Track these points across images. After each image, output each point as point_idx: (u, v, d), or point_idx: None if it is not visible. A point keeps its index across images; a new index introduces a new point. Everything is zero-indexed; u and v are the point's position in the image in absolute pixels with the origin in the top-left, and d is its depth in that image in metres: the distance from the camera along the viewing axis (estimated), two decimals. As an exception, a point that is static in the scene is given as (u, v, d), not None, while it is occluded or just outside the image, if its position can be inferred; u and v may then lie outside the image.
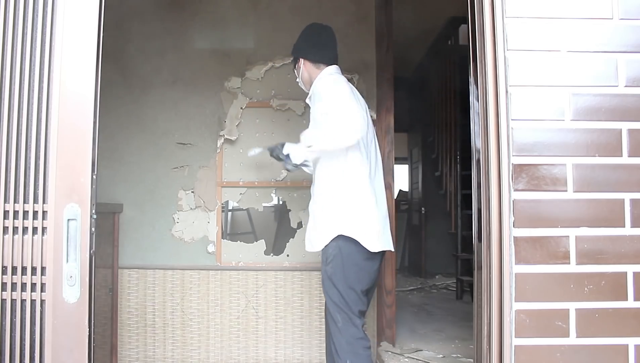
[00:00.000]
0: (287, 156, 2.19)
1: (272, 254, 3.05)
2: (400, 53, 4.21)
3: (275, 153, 2.25)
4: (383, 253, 2.18)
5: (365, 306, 2.17)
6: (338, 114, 1.97)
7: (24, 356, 1.20)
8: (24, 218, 1.22)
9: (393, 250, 2.26)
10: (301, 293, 3.00)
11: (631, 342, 1.28)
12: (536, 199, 1.30)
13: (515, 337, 1.28)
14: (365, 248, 2.06)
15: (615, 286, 1.29)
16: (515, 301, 1.28)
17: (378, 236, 2.09)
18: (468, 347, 3.01)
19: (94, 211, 1.24)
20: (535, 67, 1.32)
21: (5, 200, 1.21)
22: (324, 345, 2.99)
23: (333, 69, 2.27)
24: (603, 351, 1.28)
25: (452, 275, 5.76)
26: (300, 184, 3.08)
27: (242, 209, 3.15)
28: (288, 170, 2.33)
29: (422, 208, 6.60)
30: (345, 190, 2.09)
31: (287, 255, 3.03)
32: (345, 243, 2.08)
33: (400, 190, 7.87)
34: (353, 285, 2.08)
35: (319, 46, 2.29)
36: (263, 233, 3.14)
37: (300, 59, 2.32)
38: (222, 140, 3.05)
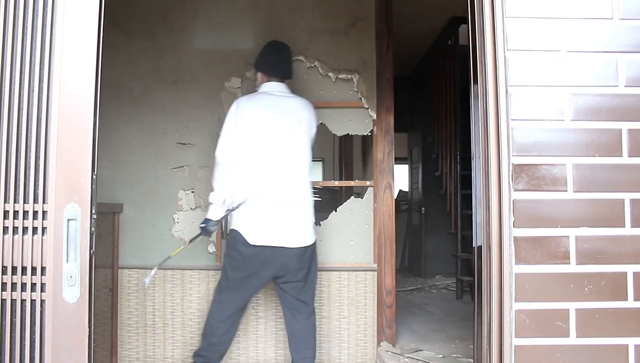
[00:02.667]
0: (207, 220, 2.44)
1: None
2: (401, 53, 4.22)
3: (204, 233, 2.49)
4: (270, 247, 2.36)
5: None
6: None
7: (24, 356, 1.20)
8: (24, 218, 1.22)
9: (283, 246, 2.37)
10: (301, 293, 3.00)
11: (631, 342, 1.28)
12: (536, 199, 1.30)
13: (515, 337, 1.28)
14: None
15: (615, 286, 1.29)
16: (515, 301, 1.28)
17: (257, 231, 2.36)
18: (468, 347, 3.01)
19: (94, 211, 1.24)
20: (535, 67, 1.32)
21: (5, 200, 1.21)
22: (324, 345, 2.99)
23: (266, 86, 2.54)
24: (603, 351, 1.28)
25: (452, 275, 5.76)
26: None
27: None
28: (210, 231, 2.49)
29: (422, 208, 6.60)
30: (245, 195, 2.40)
31: (287, 255, 3.02)
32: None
33: (400, 190, 7.87)
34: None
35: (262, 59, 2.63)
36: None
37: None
38: (222, 140, 3.05)
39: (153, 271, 2.50)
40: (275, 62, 2.58)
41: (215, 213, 2.43)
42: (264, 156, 2.39)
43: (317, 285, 2.62)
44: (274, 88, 2.51)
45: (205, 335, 2.45)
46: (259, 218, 2.36)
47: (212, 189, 2.45)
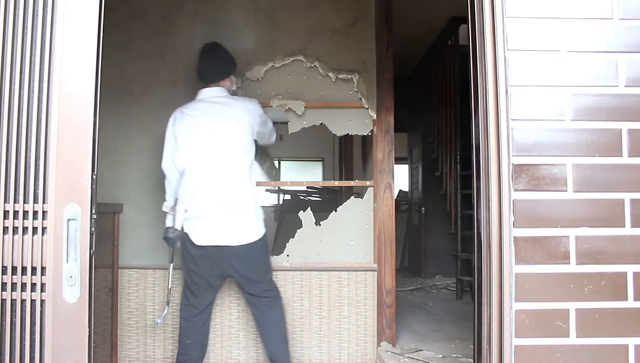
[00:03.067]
0: (165, 230, 2.57)
1: (272, 254, 3.05)
2: (401, 53, 4.22)
3: (168, 243, 2.60)
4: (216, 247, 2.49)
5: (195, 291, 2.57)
6: None
7: (24, 356, 1.20)
8: (24, 218, 1.22)
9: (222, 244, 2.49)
10: (301, 293, 3.00)
11: (631, 342, 1.28)
12: (536, 199, 1.30)
13: (515, 337, 1.28)
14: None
15: (615, 286, 1.29)
16: (515, 301, 1.28)
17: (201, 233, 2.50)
18: (468, 347, 3.01)
19: (94, 211, 1.24)
20: (535, 67, 1.33)
21: (5, 200, 1.21)
22: (324, 345, 2.99)
23: (201, 93, 2.64)
24: (603, 351, 1.28)
25: (452, 275, 5.76)
26: (300, 184, 3.08)
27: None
28: (171, 238, 2.58)
29: (422, 208, 6.59)
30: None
31: (287, 255, 3.02)
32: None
33: (400, 190, 7.87)
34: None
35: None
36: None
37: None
38: (222, 140, 3.05)
39: (166, 311, 2.73)
40: (202, 68, 2.66)
41: (169, 221, 2.58)
42: (200, 163, 2.51)
43: (270, 278, 2.70)
44: (207, 94, 2.61)
45: (180, 337, 2.62)
46: (202, 220, 2.49)
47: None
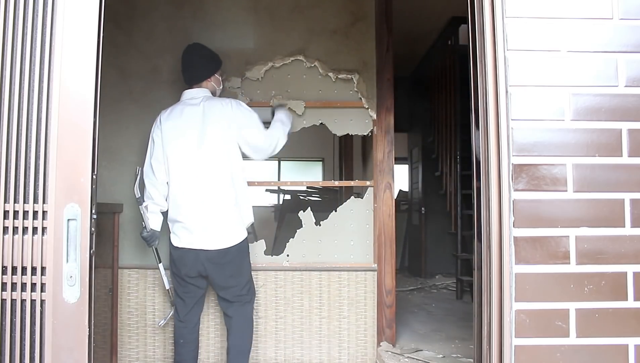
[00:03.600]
0: (142, 230, 2.58)
1: (272, 254, 3.05)
2: (401, 53, 4.22)
3: (147, 243, 2.64)
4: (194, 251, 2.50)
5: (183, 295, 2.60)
6: None
7: (24, 356, 1.20)
8: (24, 218, 1.22)
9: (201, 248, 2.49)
10: (301, 293, 3.00)
11: (631, 342, 1.28)
12: (536, 199, 1.30)
13: (515, 337, 1.28)
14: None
15: (615, 286, 1.29)
16: (515, 301, 1.28)
17: (179, 235, 2.53)
18: (468, 347, 3.01)
19: (94, 211, 1.24)
20: (535, 67, 1.33)
21: (5, 200, 1.21)
22: (324, 345, 2.99)
23: (183, 95, 2.65)
24: (603, 351, 1.28)
25: (452, 275, 5.76)
26: (300, 184, 3.07)
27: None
28: (145, 237, 2.59)
29: (422, 208, 6.60)
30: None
31: (287, 255, 3.02)
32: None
33: (400, 190, 7.87)
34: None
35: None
36: (263, 233, 3.13)
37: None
38: (222, 140, 3.05)
39: (171, 313, 2.72)
40: (184, 69, 2.65)
41: (146, 222, 2.56)
42: (177, 168, 2.50)
43: (246, 284, 2.63)
44: (188, 96, 2.60)
45: (175, 337, 2.64)
46: (179, 224, 2.51)
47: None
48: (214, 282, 2.55)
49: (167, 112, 2.58)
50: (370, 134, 3.11)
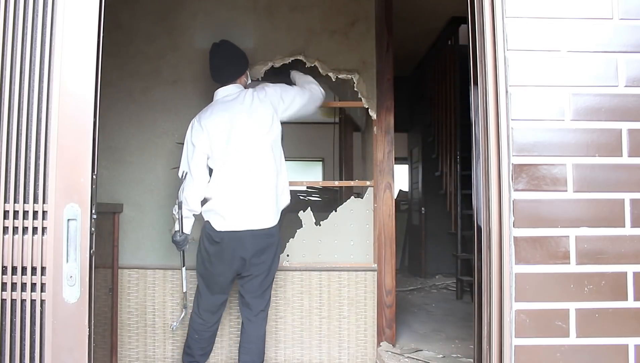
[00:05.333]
0: (174, 234, 2.56)
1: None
2: (401, 53, 4.22)
3: (177, 247, 2.60)
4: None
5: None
6: None
7: (24, 356, 1.20)
8: (24, 218, 1.22)
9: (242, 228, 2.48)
10: (301, 293, 3.01)
11: (631, 342, 1.28)
12: (536, 199, 1.30)
13: (515, 337, 1.28)
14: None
15: (615, 286, 1.29)
16: (515, 301, 1.28)
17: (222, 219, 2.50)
18: (468, 347, 3.01)
19: (94, 211, 1.24)
20: (535, 67, 1.32)
21: (5, 200, 1.21)
22: (324, 345, 2.99)
23: (216, 95, 2.66)
24: (603, 351, 1.28)
25: (452, 275, 5.76)
26: (300, 184, 3.07)
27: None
28: (178, 241, 2.58)
29: (422, 208, 6.60)
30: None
31: (287, 255, 3.03)
32: None
33: (400, 190, 7.87)
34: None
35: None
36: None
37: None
38: (222, 140, 3.05)
39: (183, 314, 2.70)
40: (218, 68, 2.64)
41: (177, 224, 2.55)
42: (223, 165, 2.50)
43: (269, 296, 2.61)
44: (223, 94, 2.61)
45: (189, 330, 2.62)
46: (223, 208, 2.49)
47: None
48: (252, 274, 2.51)
49: (207, 114, 2.56)
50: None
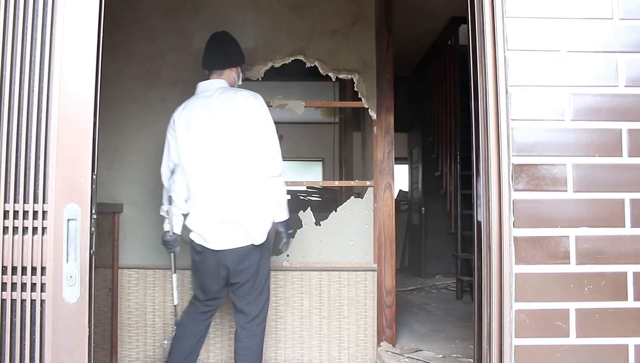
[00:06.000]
0: (164, 234, 2.42)
1: (272, 254, 3.05)
2: (401, 53, 4.22)
3: (166, 248, 2.47)
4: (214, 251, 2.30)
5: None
6: None
7: (24, 356, 1.20)
8: (24, 218, 1.22)
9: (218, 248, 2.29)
10: (301, 293, 3.01)
11: (631, 342, 1.28)
12: (536, 199, 1.30)
13: (515, 337, 1.28)
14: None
15: (615, 286, 1.29)
16: (515, 301, 1.28)
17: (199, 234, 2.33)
18: (468, 347, 3.01)
19: (94, 211, 1.24)
20: (535, 67, 1.32)
21: (5, 200, 1.21)
22: (324, 345, 2.99)
23: (198, 88, 2.45)
24: (603, 351, 1.28)
25: (452, 275, 5.76)
26: (300, 184, 3.07)
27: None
28: (168, 241, 2.44)
29: (422, 208, 6.60)
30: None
31: (287, 255, 3.03)
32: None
33: (400, 190, 7.87)
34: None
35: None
36: (263, 233, 3.12)
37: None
38: (222, 140, 3.05)
39: (174, 333, 2.53)
40: (208, 54, 2.45)
41: (166, 225, 2.41)
42: (195, 167, 2.31)
43: (263, 301, 2.40)
44: (202, 88, 2.41)
45: (175, 333, 2.52)
46: (200, 225, 2.31)
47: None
48: (237, 283, 2.35)
49: (181, 109, 2.38)
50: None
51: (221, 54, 2.44)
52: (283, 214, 2.35)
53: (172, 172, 2.41)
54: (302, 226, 3.05)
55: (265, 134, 2.29)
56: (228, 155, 2.28)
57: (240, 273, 2.32)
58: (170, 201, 2.40)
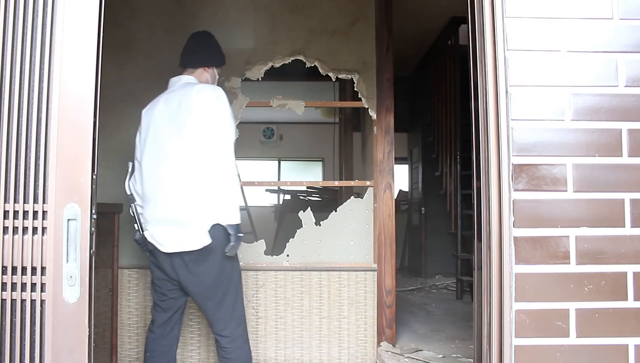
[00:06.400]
0: (135, 233, 2.31)
1: (272, 254, 3.06)
2: (401, 53, 4.22)
3: (139, 246, 2.34)
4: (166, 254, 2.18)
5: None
6: None
7: (24, 356, 1.20)
8: (24, 218, 1.22)
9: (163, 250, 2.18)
10: (301, 293, 3.01)
11: (631, 342, 1.28)
12: (536, 199, 1.30)
13: (515, 337, 1.28)
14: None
15: (615, 286, 1.29)
16: (515, 301, 1.28)
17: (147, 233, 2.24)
18: (468, 347, 3.01)
19: (94, 211, 1.24)
20: (535, 67, 1.33)
21: (5, 200, 1.21)
22: (324, 345, 2.99)
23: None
24: (603, 351, 1.28)
25: (452, 275, 5.76)
26: (300, 184, 3.07)
27: (242, 209, 3.15)
28: (136, 240, 2.33)
29: (422, 208, 6.60)
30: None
31: (287, 255, 3.03)
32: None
33: (400, 190, 7.87)
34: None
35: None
36: (263, 233, 3.13)
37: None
38: (222, 140, 3.05)
39: None
40: (183, 51, 2.39)
41: (139, 223, 2.31)
42: (147, 160, 2.24)
43: (232, 312, 2.21)
44: (170, 84, 2.35)
45: (145, 347, 2.41)
46: (147, 221, 2.24)
47: None
48: (192, 292, 2.22)
49: (148, 105, 2.33)
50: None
51: (194, 53, 2.37)
52: (231, 218, 2.14)
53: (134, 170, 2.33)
54: (302, 226, 3.05)
55: (212, 130, 2.13)
56: (176, 151, 2.16)
57: (189, 281, 2.17)
58: (131, 200, 2.31)
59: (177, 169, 2.16)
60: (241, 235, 2.19)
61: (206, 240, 2.11)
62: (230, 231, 2.14)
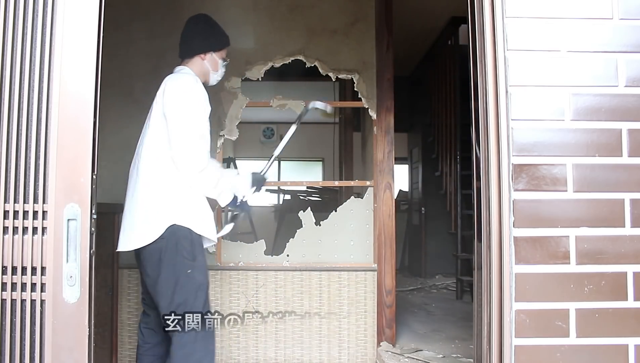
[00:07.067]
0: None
1: (272, 254, 3.05)
2: (401, 53, 4.22)
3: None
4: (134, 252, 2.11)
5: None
6: None
7: (24, 356, 1.20)
8: (24, 218, 1.22)
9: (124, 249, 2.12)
10: (301, 293, 3.00)
11: (631, 342, 1.28)
12: (536, 199, 1.30)
13: (515, 337, 1.28)
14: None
15: (615, 286, 1.29)
16: (515, 301, 1.28)
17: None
18: (468, 347, 3.01)
19: (94, 211, 1.24)
20: (535, 67, 1.33)
21: (5, 200, 1.21)
22: (324, 345, 2.99)
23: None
24: (603, 351, 1.28)
25: (452, 275, 5.76)
26: (300, 184, 3.07)
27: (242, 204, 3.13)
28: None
29: (422, 208, 6.59)
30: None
31: (287, 255, 3.02)
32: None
33: (400, 190, 7.87)
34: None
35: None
36: (263, 233, 3.13)
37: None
38: (222, 140, 3.05)
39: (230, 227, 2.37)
40: (179, 42, 2.26)
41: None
42: (134, 160, 2.22)
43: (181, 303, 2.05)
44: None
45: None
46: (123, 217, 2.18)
47: None
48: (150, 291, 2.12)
49: None
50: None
51: (185, 42, 2.21)
52: (223, 200, 2.12)
53: None
54: (302, 226, 3.05)
55: (171, 120, 2.02)
56: (145, 148, 2.10)
57: (146, 280, 2.10)
58: None
59: (142, 166, 2.09)
60: (244, 200, 2.26)
61: (149, 238, 1.98)
62: (236, 211, 2.26)
